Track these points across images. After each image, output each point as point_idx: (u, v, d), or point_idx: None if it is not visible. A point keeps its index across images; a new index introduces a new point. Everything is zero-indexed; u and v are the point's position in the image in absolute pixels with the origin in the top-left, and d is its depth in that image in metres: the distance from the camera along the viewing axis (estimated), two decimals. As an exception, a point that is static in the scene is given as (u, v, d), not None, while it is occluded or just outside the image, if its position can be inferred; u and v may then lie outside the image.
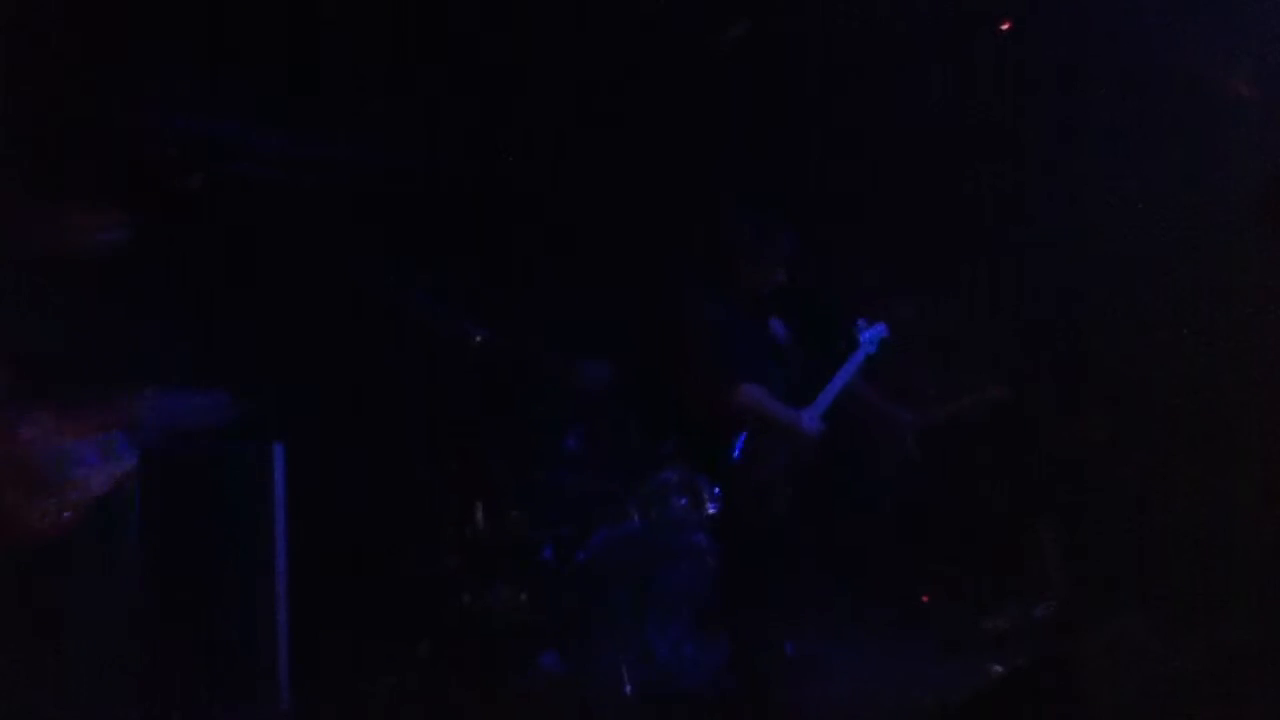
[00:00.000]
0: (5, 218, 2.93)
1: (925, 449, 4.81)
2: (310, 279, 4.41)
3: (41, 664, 2.85)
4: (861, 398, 4.56)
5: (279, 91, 4.31)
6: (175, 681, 3.40)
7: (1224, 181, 4.04)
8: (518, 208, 5.11)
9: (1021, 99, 4.58)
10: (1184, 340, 4.18)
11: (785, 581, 4.12)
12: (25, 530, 2.76)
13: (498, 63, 4.54)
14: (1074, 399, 4.67)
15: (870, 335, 4.31)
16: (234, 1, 3.85)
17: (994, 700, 3.15)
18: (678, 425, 4.47)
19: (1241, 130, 4.05)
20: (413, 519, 4.54)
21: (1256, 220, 3.91)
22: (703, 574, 4.28)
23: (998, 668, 3.78)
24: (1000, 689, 3.26)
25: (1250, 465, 3.89)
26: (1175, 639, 3.16)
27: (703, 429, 4.15)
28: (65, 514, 2.81)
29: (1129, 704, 2.89)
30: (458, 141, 4.92)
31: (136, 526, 3.07)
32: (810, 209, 4.74)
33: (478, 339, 4.16)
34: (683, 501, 4.29)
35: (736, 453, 4.02)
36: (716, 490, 4.23)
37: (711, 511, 4.25)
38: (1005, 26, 4.61)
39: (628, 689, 3.96)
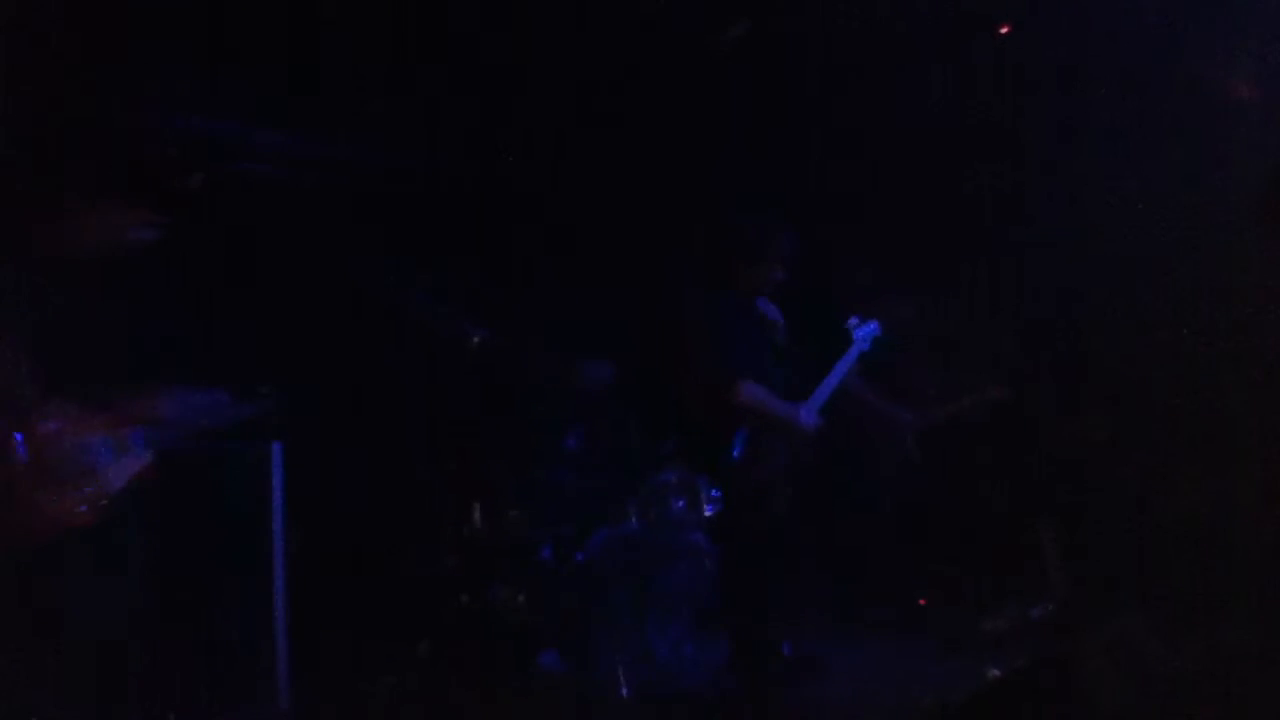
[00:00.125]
0: (10, 218, 2.94)
1: (925, 449, 4.82)
2: (310, 279, 4.41)
3: (41, 664, 2.85)
4: (861, 398, 4.57)
5: (279, 91, 4.30)
6: (175, 681, 3.40)
7: (1224, 181, 4.03)
8: (518, 208, 5.11)
9: (1021, 99, 4.58)
10: (1184, 340, 4.18)
11: (785, 581, 4.12)
12: (44, 524, 2.78)
13: (498, 63, 4.54)
14: (1074, 399, 4.66)
15: (864, 333, 4.32)
16: (234, 1, 3.85)
17: (994, 700, 3.15)
18: (678, 425, 4.47)
19: (1241, 130, 4.04)
20: (413, 519, 4.54)
21: (1256, 220, 3.91)
22: (701, 574, 4.28)
23: (997, 669, 3.77)
24: (1000, 689, 3.26)
25: (1250, 465, 3.88)
26: (1175, 639, 3.16)
27: (702, 429, 4.15)
28: (83, 508, 2.82)
29: (1129, 704, 2.89)
30: (458, 141, 4.92)
31: (137, 526, 3.07)
32: (810, 209, 4.74)
33: (477, 339, 4.16)
34: (681, 503, 4.29)
35: (736, 452, 4.02)
36: (715, 492, 4.23)
37: (709, 513, 4.26)
38: (1004, 30, 4.61)
39: (626, 690, 3.96)
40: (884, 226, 5.03)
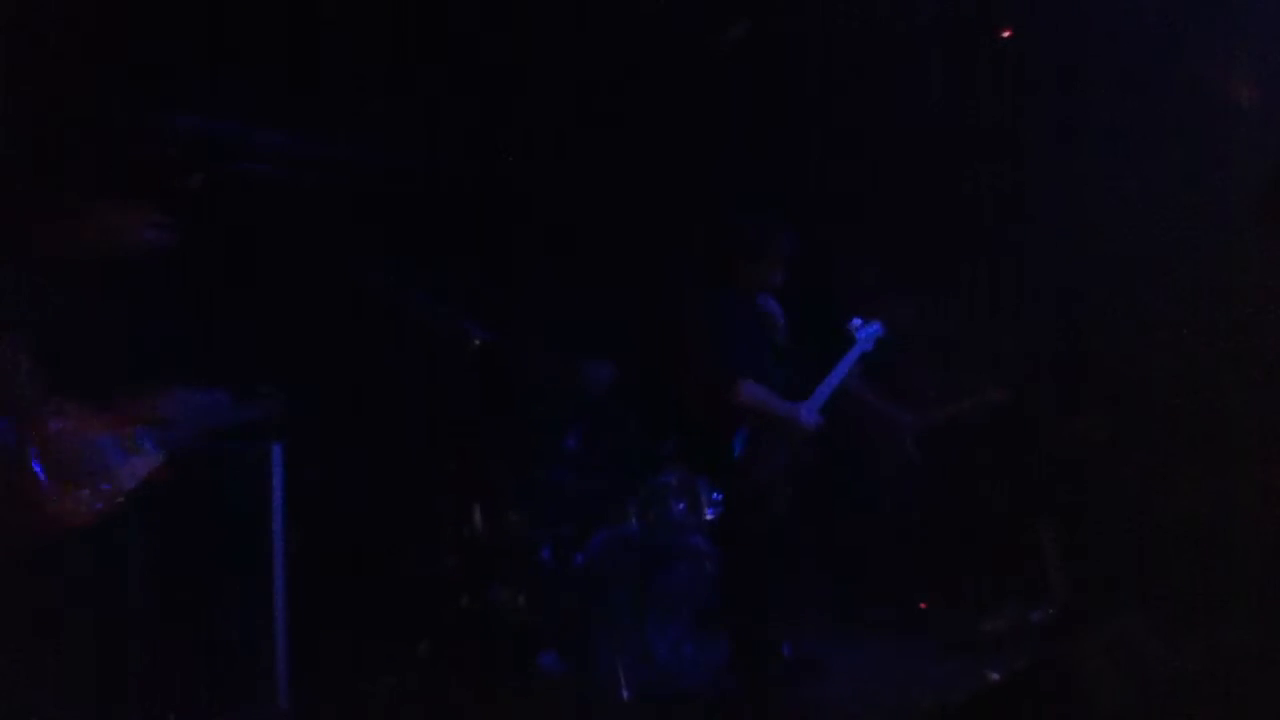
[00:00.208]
0: (10, 218, 2.94)
1: (925, 450, 4.82)
2: (311, 279, 4.41)
3: (41, 664, 2.85)
4: (862, 399, 4.57)
5: (279, 91, 4.31)
6: (175, 681, 3.40)
7: (1224, 181, 4.03)
8: (518, 208, 5.11)
9: (1021, 99, 4.59)
10: (1184, 340, 4.18)
11: (785, 582, 4.12)
12: (56, 521, 2.78)
13: (498, 63, 4.54)
14: (1074, 399, 4.66)
15: (866, 333, 4.31)
16: (234, 1, 3.85)
17: (994, 700, 3.15)
18: (678, 425, 4.47)
19: (1241, 130, 4.05)
20: (413, 519, 4.54)
21: (1256, 220, 3.91)
22: (701, 576, 4.29)
23: (997, 669, 3.77)
24: (1000, 689, 3.26)
25: (1250, 465, 3.88)
26: (1175, 639, 3.16)
27: (703, 429, 4.15)
28: (97, 505, 2.83)
29: (1129, 704, 2.89)
30: (458, 141, 4.93)
31: (137, 526, 3.08)
32: (810, 209, 4.74)
33: (477, 339, 4.16)
34: (681, 505, 4.30)
35: (736, 451, 4.02)
36: (715, 495, 4.23)
37: (709, 516, 4.26)
38: (1006, 34, 4.61)
39: (626, 690, 3.96)
40: (884, 226, 5.03)
